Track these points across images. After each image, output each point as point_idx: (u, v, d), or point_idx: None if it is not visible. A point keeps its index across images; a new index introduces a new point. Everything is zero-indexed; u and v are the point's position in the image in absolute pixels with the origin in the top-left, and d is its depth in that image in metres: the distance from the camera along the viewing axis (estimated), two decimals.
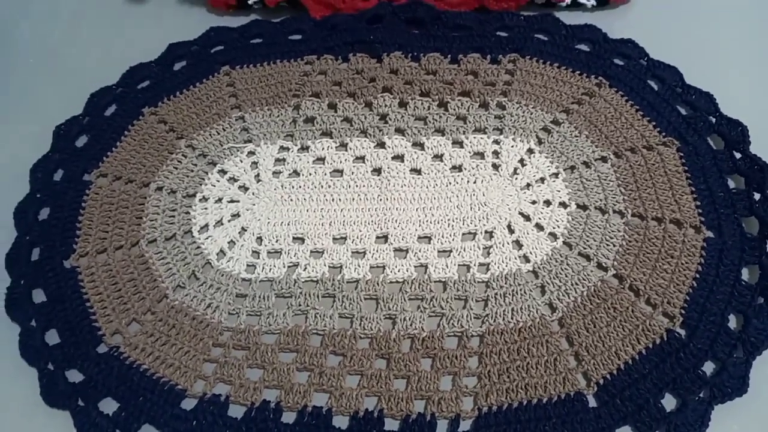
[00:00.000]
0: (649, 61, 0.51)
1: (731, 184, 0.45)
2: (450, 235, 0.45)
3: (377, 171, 0.49)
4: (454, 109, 0.50)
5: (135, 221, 0.48)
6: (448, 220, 0.46)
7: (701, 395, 0.37)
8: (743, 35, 0.53)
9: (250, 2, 0.57)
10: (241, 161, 0.50)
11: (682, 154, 0.46)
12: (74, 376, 0.41)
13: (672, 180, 0.45)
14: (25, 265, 0.46)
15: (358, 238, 0.46)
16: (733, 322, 0.40)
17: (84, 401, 0.40)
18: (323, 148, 0.50)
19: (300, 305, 0.43)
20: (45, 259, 0.46)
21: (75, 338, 0.43)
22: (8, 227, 0.48)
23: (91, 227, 0.47)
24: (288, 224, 0.47)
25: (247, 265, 0.45)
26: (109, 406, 0.40)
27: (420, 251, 0.45)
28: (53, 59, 0.60)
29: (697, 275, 0.41)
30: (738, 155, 0.46)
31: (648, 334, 0.40)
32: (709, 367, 0.38)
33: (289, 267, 0.45)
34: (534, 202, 0.46)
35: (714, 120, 0.48)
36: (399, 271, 0.44)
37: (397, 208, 0.47)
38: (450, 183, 0.48)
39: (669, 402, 0.38)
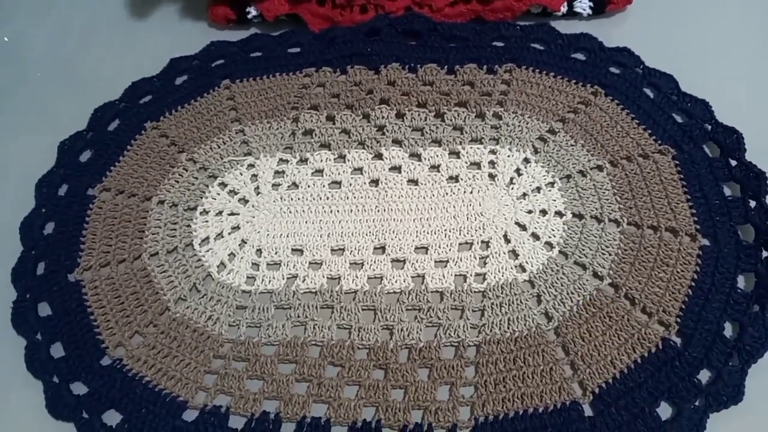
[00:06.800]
0: (645, 69, 0.51)
1: (727, 191, 0.45)
2: (447, 246, 0.46)
3: (375, 182, 0.49)
4: (451, 120, 0.51)
5: (137, 235, 0.48)
6: (445, 230, 0.46)
7: (696, 403, 0.37)
8: (739, 42, 0.53)
9: (249, 16, 0.58)
10: (241, 174, 0.51)
11: (677, 162, 0.46)
12: (78, 388, 0.42)
13: (668, 188, 0.46)
14: (30, 279, 0.47)
15: (356, 249, 0.46)
16: (728, 330, 0.40)
17: (88, 413, 0.41)
18: (322, 160, 0.51)
19: (299, 317, 0.44)
20: (50, 273, 0.47)
21: (79, 351, 0.44)
22: (14, 241, 0.49)
23: (95, 241, 0.48)
24: (287, 236, 0.47)
25: (247, 277, 0.46)
26: (112, 418, 0.41)
27: (417, 262, 0.45)
28: (60, 73, 0.61)
29: (693, 283, 0.41)
30: (734, 162, 0.46)
31: (643, 342, 0.40)
32: (704, 376, 0.39)
33: (288, 279, 0.46)
34: (530, 212, 0.47)
35: (709, 127, 0.48)
36: (396, 281, 0.44)
37: (394, 219, 0.47)
38: (447, 193, 0.48)
39: (664, 410, 0.38)
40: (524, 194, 0.47)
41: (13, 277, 0.47)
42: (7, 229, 0.50)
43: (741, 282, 0.42)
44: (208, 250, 0.48)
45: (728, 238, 0.43)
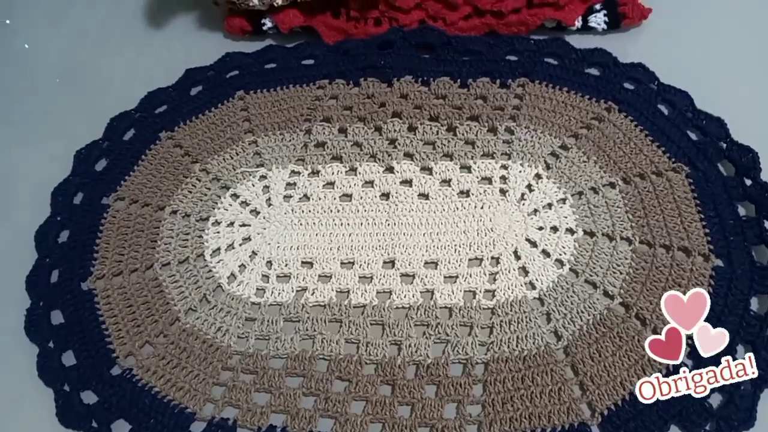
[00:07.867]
0: (660, 85, 0.51)
1: (742, 211, 0.45)
2: (456, 261, 0.46)
3: (385, 196, 0.49)
4: (463, 134, 0.51)
5: (150, 244, 0.49)
6: (455, 245, 0.46)
7: (707, 428, 0.37)
8: (755, 59, 0.52)
9: (264, 28, 0.59)
10: (253, 185, 0.51)
11: (691, 181, 0.46)
12: (89, 397, 0.43)
13: (681, 207, 0.45)
14: (44, 287, 0.48)
15: (365, 262, 0.46)
16: (741, 353, 0.40)
17: (98, 423, 0.41)
18: (333, 173, 0.51)
19: (307, 330, 0.44)
20: (64, 281, 0.48)
21: (90, 360, 0.44)
22: (29, 249, 0.50)
23: (108, 250, 0.49)
24: (297, 248, 0.48)
25: (257, 289, 0.46)
26: (121, 428, 0.41)
27: (426, 277, 0.45)
28: (76, 82, 0.62)
29: None
30: (749, 182, 0.45)
31: (654, 364, 0.39)
32: (715, 399, 0.38)
33: (297, 291, 0.46)
34: (541, 228, 0.46)
35: (724, 146, 0.47)
36: (405, 296, 0.44)
37: (404, 233, 0.47)
38: (457, 208, 0.48)
39: None
40: (535, 210, 0.47)
41: (27, 284, 0.48)
42: (22, 236, 0.50)
43: (754, 304, 0.41)
44: (219, 261, 0.48)
45: (742, 259, 0.43)
